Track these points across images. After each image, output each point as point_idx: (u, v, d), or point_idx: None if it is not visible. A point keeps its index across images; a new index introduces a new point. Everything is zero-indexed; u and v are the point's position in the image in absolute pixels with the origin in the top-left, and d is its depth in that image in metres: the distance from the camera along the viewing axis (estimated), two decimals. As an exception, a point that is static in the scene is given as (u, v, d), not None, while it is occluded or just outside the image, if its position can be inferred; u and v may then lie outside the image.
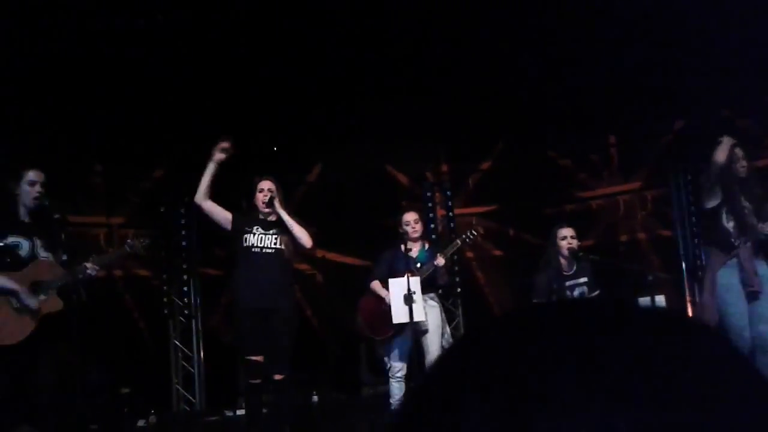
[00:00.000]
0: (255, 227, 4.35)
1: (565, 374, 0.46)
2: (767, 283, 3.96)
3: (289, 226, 4.34)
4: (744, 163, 4.06)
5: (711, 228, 4.06)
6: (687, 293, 6.52)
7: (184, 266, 6.80)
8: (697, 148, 4.34)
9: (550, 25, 6.06)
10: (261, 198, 4.38)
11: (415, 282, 4.55)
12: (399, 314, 4.56)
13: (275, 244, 4.33)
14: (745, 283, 3.91)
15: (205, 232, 6.67)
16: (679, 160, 6.86)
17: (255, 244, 4.32)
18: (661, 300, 4.59)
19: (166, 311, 6.78)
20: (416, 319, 4.56)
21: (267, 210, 4.38)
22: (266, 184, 4.41)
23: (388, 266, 4.80)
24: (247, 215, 4.44)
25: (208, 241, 6.46)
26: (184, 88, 6.24)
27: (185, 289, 6.79)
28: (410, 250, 4.74)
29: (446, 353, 0.54)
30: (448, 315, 7.38)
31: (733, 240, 3.94)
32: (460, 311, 7.34)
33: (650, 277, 4.55)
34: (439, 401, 0.48)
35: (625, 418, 0.43)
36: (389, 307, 4.67)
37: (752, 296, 3.94)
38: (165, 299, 6.77)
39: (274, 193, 4.38)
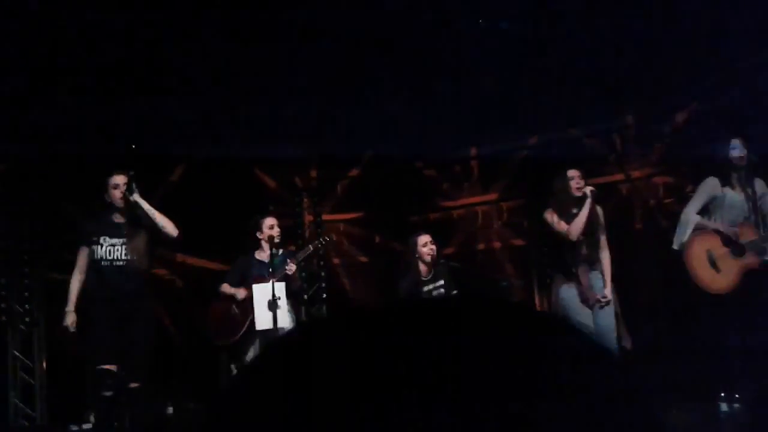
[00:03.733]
0: (102, 237, 4.12)
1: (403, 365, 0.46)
2: (609, 292, 4.37)
3: (151, 215, 4.15)
4: (578, 184, 4.43)
5: (550, 252, 4.44)
6: (536, 298, 6.97)
7: (26, 269, 6.28)
8: (547, 165, 4.70)
9: (418, 38, 6.25)
10: (116, 195, 4.15)
11: (280, 288, 4.52)
12: (263, 321, 4.50)
13: (125, 255, 4.12)
14: (582, 298, 4.31)
15: (51, 233, 6.23)
16: (532, 175, 7.33)
17: (104, 257, 4.10)
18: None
19: (3, 318, 6.21)
20: (281, 325, 4.52)
21: (121, 205, 4.16)
22: (119, 179, 4.19)
23: (241, 272, 4.77)
24: (96, 220, 4.20)
25: (55, 243, 6.02)
26: (30, 73, 5.78)
27: (26, 294, 6.27)
28: (264, 255, 4.72)
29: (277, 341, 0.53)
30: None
31: (571, 267, 4.33)
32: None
33: (504, 283, 4.83)
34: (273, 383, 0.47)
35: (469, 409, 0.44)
36: (237, 310, 4.66)
37: (594, 307, 4.33)
38: (3, 305, 6.21)
39: (128, 186, 4.16)
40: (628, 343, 4.33)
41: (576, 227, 4.29)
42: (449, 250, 7.06)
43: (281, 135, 7.31)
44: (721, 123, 5.65)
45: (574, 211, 4.32)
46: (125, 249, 4.11)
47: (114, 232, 4.14)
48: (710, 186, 4.51)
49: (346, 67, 6.51)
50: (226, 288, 4.78)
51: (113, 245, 4.11)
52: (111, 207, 4.19)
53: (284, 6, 5.69)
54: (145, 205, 4.17)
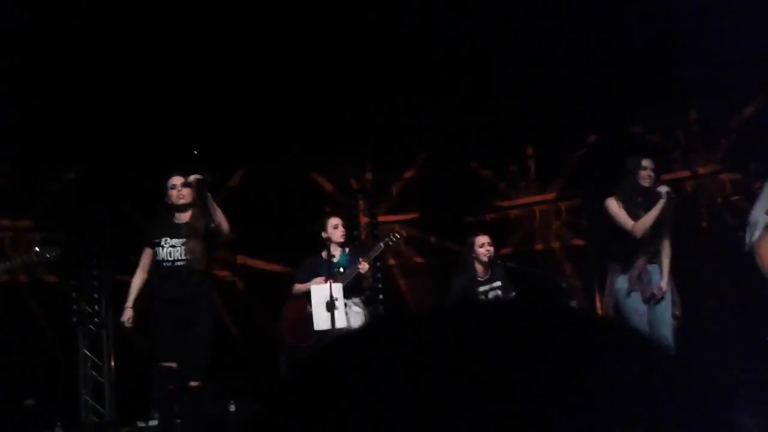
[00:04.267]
0: (164, 239, 4.24)
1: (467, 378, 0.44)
2: (656, 287, 4.23)
3: (212, 210, 4.26)
4: (650, 175, 4.31)
5: (610, 242, 4.30)
6: (597, 299, 6.80)
7: (95, 272, 6.54)
8: (609, 163, 4.58)
9: (474, 41, 6.22)
10: (174, 195, 4.27)
11: (337, 288, 4.55)
12: (321, 321, 4.55)
13: (184, 255, 4.23)
14: (642, 289, 4.18)
15: (118, 236, 6.47)
16: (592, 174, 7.16)
17: (165, 259, 4.22)
18: (573, 306, 4.78)
19: (75, 319, 6.48)
20: (338, 326, 4.56)
21: (182, 203, 4.27)
22: (176, 180, 4.31)
23: (312, 272, 4.80)
24: (158, 222, 4.33)
25: (121, 247, 6.25)
26: (97, 85, 6.02)
27: (96, 296, 6.53)
28: (333, 255, 4.75)
29: (331, 345, 0.51)
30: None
31: (631, 257, 4.20)
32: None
33: (564, 284, 4.74)
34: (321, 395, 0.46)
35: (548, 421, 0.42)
36: (312, 310, 4.68)
37: (650, 300, 4.21)
38: (74, 306, 6.48)
39: (187, 185, 4.27)
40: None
41: (642, 226, 4.17)
42: (506, 251, 6.97)
43: (337, 137, 7.39)
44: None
45: (639, 200, 4.20)
46: (184, 249, 4.22)
47: (174, 233, 4.25)
48: None
49: (401, 66, 6.53)
50: (299, 286, 4.79)
51: (174, 246, 4.23)
52: (171, 208, 4.31)
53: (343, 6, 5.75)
54: (209, 201, 4.27)
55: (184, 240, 4.23)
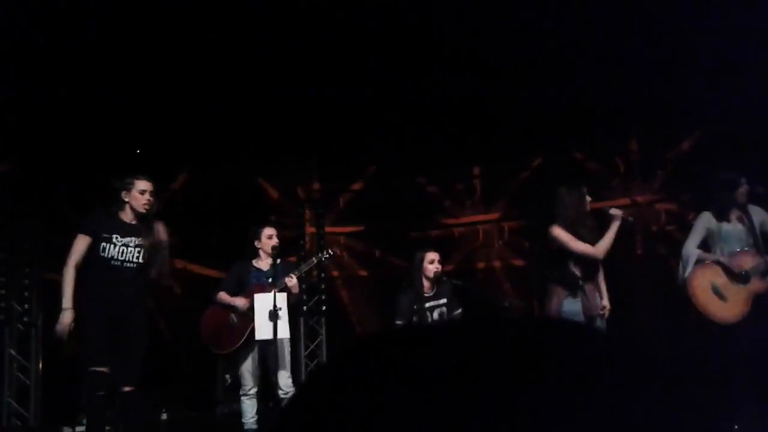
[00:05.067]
0: (114, 235, 4.08)
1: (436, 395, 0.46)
2: (599, 307, 4.37)
3: (161, 237, 4.14)
4: (588, 203, 4.44)
5: (556, 267, 4.40)
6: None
7: (26, 269, 6.26)
8: (550, 186, 4.70)
9: (425, 59, 6.30)
10: (143, 200, 4.11)
11: (282, 298, 4.52)
12: (263, 330, 4.49)
13: (137, 258, 4.09)
14: (587, 312, 4.29)
15: (50, 232, 6.22)
16: (533, 196, 7.35)
17: (115, 257, 4.05)
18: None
19: (2, 317, 6.18)
20: (281, 336, 4.52)
21: (146, 211, 4.13)
22: (146, 185, 4.16)
23: (238, 280, 4.76)
24: (107, 216, 4.15)
25: (54, 244, 6.00)
26: (35, 79, 5.80)
27: (26, 294, 6.24)
28: (263, 264, 4.72)
29: (311, 379, 0.54)
30: (312, 333, 7.36)
31: (579, 282, 4.31)
32: (323, 330, 7.33)
33: (507, 304, 4.82)
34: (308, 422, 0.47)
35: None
36: (235, 319, 4.64)
37: (592, 321, 4.33)
38: (2, 304, 6.18)
39: (152, 194, 4.16)
40: None
41: (604, 248, 4.30)
42: (448, 267, 7.06)
43: (287, 145, 7.34)
44: (724, 152, 5.68)
45: (588, 224, 4.33)
46: (138, 251, 4.08)
47: (128, 231, 4.09)
48: (705, 220, 4.56)
49: (353, 79, 6.56)
50: (224, 297, 4.74)
51: (126, 245, 4.07)
52: (128, 209, 4.13)
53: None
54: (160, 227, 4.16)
55: (140, 240, 4.08)
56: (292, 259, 6.92)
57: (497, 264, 7.84)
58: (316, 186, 8.19)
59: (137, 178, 4.17)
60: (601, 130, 6.80)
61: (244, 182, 7.63)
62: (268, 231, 4.83)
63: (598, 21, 5.73)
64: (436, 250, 4.87)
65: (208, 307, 4.85)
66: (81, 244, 4.04)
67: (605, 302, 4.34)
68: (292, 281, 4.61)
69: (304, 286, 6.96)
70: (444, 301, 4.77)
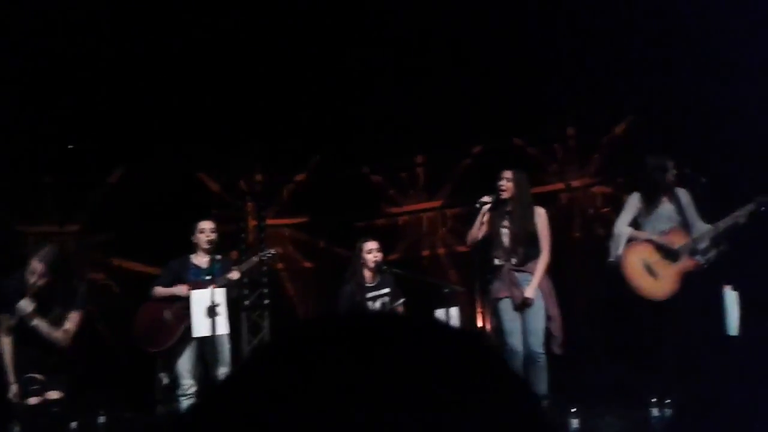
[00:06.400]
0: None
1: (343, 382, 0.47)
2: (531, 293, 4.45)
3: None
4: (507, 186, 4.52)
5: (482, 251, 4.53)
6: (478, 304, 7.06)
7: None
8: (491, 173, 4.77)
9: (367, 49, 6.28)
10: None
11: (220, 294, 4.44)
12: (200, 327, 4.41)
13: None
14: (512, 295, 4.42)
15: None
16: (476, 182, 7.43)
17: None
18: (454, 311, 4.93)
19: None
20: (219, 332, 4.45)
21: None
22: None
23: (174, 276, 4.64)
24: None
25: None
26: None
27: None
28: (201, 260, 4.63)
29: (241, 367, 0.54)
30: (255, 327, 7.28)
31: (501, 269, 4.44)
32: (267, 323, 7.26)
33: (446, 290, 4.87)
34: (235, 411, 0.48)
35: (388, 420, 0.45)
36: (170, 315, 4.54)
37: (521, 307, 4.43)
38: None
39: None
40: (557, 348, 4.44)
41: (470, 237, 4.55)
42: (394, 256, 7.08)
43: (227, 136, 7.21)
44: (657, 136, 5.86)
45: (504, 211, 4.48)
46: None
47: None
48: (636, 200, 4.71)
49: (295, 68, 6.49)
50: (160, 290, 4.60)
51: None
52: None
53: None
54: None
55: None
56: (234, 254, 6.83)
57: (442, 251, 7.91)
58: (258, 178, 8.08)
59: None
60: (540, 117, 6.91)
61: (183, 176, 7.46)
62: (201, 225, 4.69)
63: (533, 10, 5.82)
64: (376, 240, 4.86)
65: (141, 304, 4.72)
66: None
67: (528, 291, 4.42)
68: (235, 275, 4.55)
69: (245, 280, 6.89)
70: (387, 290, 4.78)
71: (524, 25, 5.93)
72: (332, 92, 6.82)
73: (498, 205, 4.45)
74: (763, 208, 4.46)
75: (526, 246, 4.44)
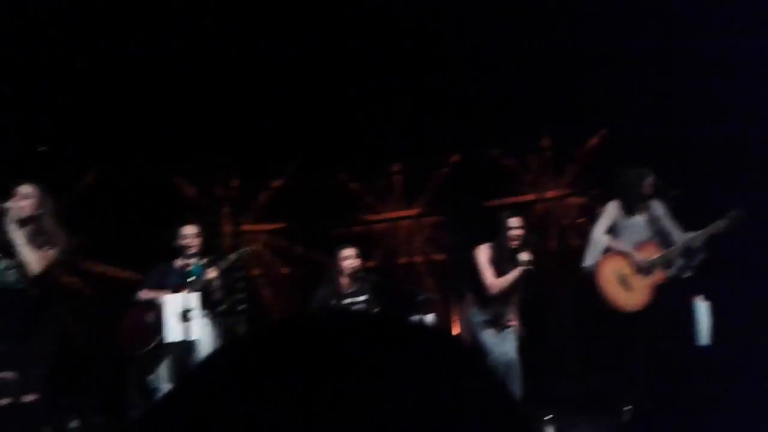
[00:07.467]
0: None
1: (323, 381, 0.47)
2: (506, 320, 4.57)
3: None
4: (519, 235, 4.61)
5: (476, 287, 4.61)
6: (452, 312, 7.09)
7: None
8: (469, 182, 4.81)
9: (344, 57, 6.30)
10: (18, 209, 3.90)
11: (193, 298, 4.40)
12: (173, 332, 4.37)
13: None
14: (492, 321, 4.49)
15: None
16: (453, 192, 7.49)
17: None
18: (430, 318, 4.94)
19: None
20: (193, 337, 4.40)
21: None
22: (27, 189, 3.94)
23: (159, 280, 4.62)
24: None
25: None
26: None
27: None
28: (186, 265, 4.60)
29: (207, 360, 0.54)
30: (230, 333, 7.20)
31: (490, 304, 4.52)
32: (242, 329, 7.19)
33: (421, 297, 4.88)
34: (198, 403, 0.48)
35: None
36: (152, 320, 4.51)
37: (500, 329, 4.55)
38: None
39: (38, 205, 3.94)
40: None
41: (498, 286, 4.56)
42: (371, 264, 7.08)
43: (204, 141, 7.16)
44: (630, 147, 5.95)
45: (510, 261, 4.50)
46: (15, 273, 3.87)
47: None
48: (613, 209, 4.78)
49: (272, 75, 6.47)
50: (145, 292, 4.60)
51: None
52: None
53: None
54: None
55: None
56: (209, 258, 6.76)
57: (419, 259, 7.93)
58: (235, 183, 8.04)
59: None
60: (516, 128, 6.98)
61: (157, 180, 7.38)
62: (188, 229, 4.72)
63: (510, 20, 5.88)
64: (353, 247, 4.86)
65: (126, 308, 4.69)
66: None
67: (513, 321, 4.60)
68: (212, 274, 4.53)
69: (242, 284, 6.85)
70: (364, 297, 4.77)
71: (501, 37, 6.00)
72: (310, 99, 6.81)
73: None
74: (735, 223, 4.55)
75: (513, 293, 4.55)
